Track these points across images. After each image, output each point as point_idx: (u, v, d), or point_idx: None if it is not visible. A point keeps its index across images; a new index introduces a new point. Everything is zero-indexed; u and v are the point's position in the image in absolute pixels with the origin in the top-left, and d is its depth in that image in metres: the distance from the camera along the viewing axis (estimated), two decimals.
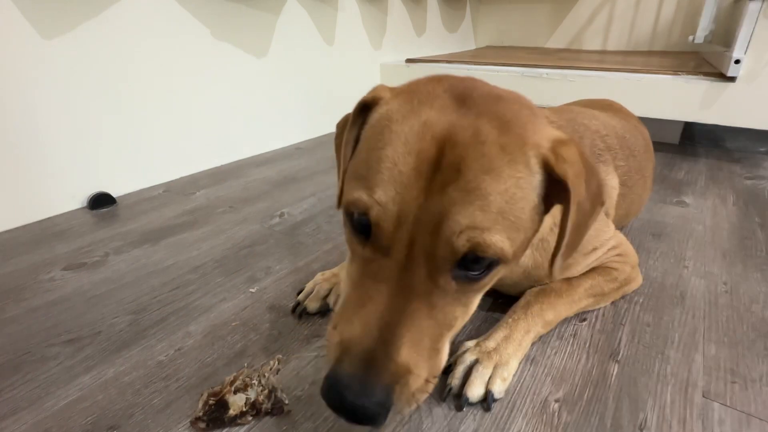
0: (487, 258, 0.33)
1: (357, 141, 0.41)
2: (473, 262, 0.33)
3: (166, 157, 1.17)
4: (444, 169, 0.31)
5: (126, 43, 1.02)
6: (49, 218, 0.96)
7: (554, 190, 0.37)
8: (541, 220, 0.38)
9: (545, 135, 0.37)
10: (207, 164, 1.28)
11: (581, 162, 0.37)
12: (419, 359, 0.32)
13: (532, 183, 0.35)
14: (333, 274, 0.67)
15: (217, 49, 1.21)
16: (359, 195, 0.33)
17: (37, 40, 0.88)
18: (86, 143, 1.00)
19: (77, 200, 1.01)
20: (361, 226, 0.34)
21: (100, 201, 1.02)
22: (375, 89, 0.41)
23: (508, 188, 0.32)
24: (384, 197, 0.32)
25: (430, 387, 0.34)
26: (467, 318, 0.40)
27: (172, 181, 1.18)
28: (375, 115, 0.39)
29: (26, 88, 0.88)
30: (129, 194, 1.09)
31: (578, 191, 0.35)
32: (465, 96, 0.35)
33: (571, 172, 0.35)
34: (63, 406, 0.50)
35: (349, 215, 0.36)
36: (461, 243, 0.31)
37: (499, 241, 0.32)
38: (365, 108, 0.41)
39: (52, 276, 0.75)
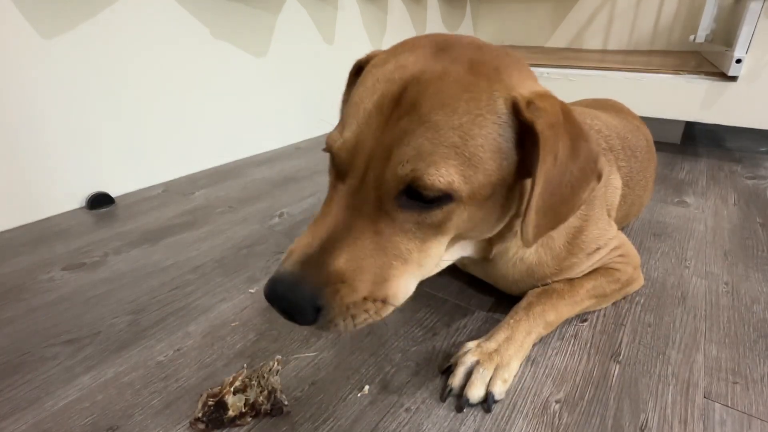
0: (434, 189, 0.33)
1: None
2: (421, 192, 0.33)
3: (165, 156, 1.17)
4: (403, 104, 0.33)
5: (125, 42, 1.02)
6: (48, 218, 0.96)
7: (531, 145, 0.35)
8: (512, 170, 0.37)
9: (525, 85, 0.36)
10: (206, 164, 1.28)
11: (562, 117, 0.35)
12: (357, 275, 0.33)
13: (498, 125, 0.34)
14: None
15: (216, 49, 1.21)
16: (331, 134, 0.37)
17: (37, 40, 0.88)
18: (85, 143, 0.99)
19: (76, 200, 1.01)
20: (334, 159, 0.38)
21: (99, 201, 1.01)
22: (371, 52, 0.43)
23: (463, 123, 0.33)
24: (348, 133, 0.35)
25: (371, 309, 0.34)
26: (428, 261, 0.38)
27: (171, 180, 1.18)
28: (365, 70, 0.40)
29: (25, 88, 0.88)
30: (128, 194, 1.09)
31: (552, 144, 0.34)
32: (448, 45, 0.36)
33: (543, 121, 0.34)
34: (63, 406, 0.49)
35: (326, 152, 0.39)
36: (405, 171, 0.32)
37: (445, 174, 0.32)
38: (360, 69, 0.43)
39: (51, 276, 0.75)
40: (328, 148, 0.37)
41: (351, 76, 0.45)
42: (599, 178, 0.38)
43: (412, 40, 0.39)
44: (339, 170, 0.37)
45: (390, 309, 0.36)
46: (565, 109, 0.37)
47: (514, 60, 0.38)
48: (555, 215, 0.37)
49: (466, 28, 2.43)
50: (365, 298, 0.34)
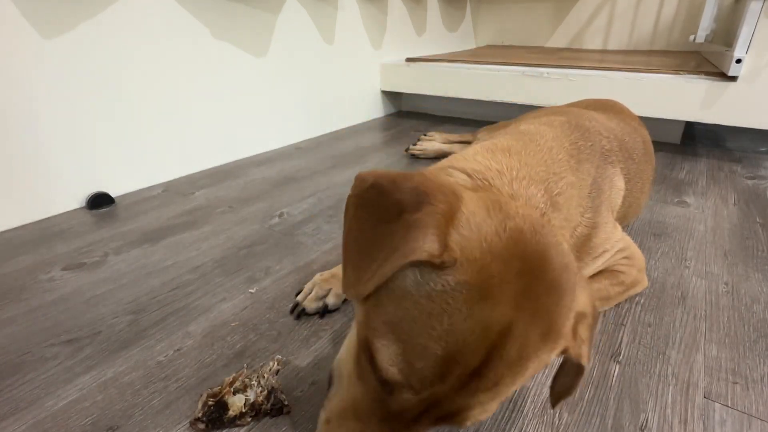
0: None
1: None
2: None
3: (165, 156, 1.17)
4: (485, 379, 0.31)
5: (125, 42, 1.02)
6: (48, 218, 0.96)
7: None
8: None
9: (571, 320, 0.36)
10: (206, 164, 1.28)
11: (593, 327, 0.38)
12: None
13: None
14: (332, 274, 0.67)
15: (216, 49, 1.21)
16: (391, 370, 0.32)
17: (37, 40, 0.88)
18: (85, 143, 0.99)
19: (76, 200, 1.01)
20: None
21: (99, 201, 1.01)
22: (413, 241, 0.31)
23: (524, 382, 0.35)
24: (418, 385, 0.32)
25: None
26: None
27: (171, 180, 1.18)
28: (429, 282, 0.31)
29: (25, 88, 0.88)
30: (128, 194, 1.09)
31: (586, 360, 0.37)
32: (529, 284, 0.32)
33: (586, 350, 0.37)
34: (63, 406, 0.49)
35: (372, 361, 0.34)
36: (465, 425, 0.34)
37: (492, 410, 0.34)
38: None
39: (51, 276, 0.75)
40: (390, 384, 0.34)
41: (358, 199, 0.36)
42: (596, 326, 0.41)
43: (497, 265, 0.32)
44: (391, 397, 0.35)
45: None
46: (596, 316, 0.40)
47: (571, 290, 0.36)
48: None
49: (466, 28, 2.43)
50: None
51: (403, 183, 0.34)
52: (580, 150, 0.57)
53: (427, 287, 0.31)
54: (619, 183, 0.65)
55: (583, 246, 0.57)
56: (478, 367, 0.31)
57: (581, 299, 0.38)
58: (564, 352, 0.36)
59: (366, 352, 0.34)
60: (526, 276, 0.32)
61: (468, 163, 0.48)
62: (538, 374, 0.53)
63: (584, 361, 0.37)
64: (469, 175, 0.46)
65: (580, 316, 0.37)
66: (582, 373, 0.37)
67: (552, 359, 0.36)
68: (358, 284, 0.33)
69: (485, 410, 0.33)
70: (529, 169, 0.49)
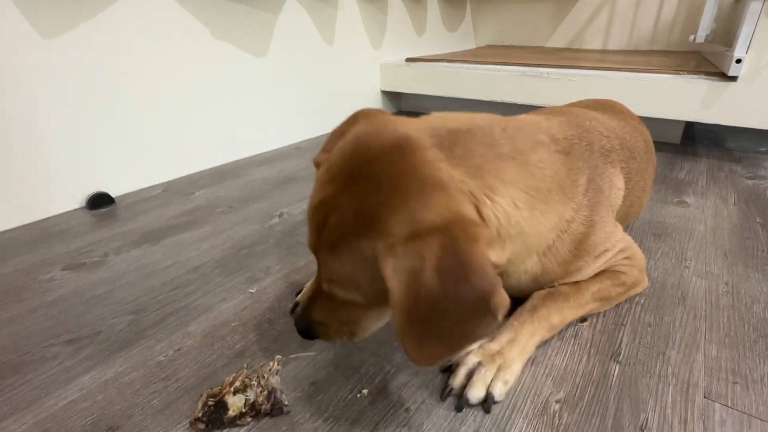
0: (344, 300, 0.45)
1: None
2: None
3: (165, 156, 1.17)
4: (323, 238, 0.43)
5: (125, 42, 1.02)
6: (48, 218, 0.96)
7: None
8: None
9: (402, 225, 0.37)
10: (206, 164, 1.28)
11: (439, 258, 0.35)
12: (323, 318, 0.49)
13: (370, 266, 0.39)
14: None
15: (216, 49, 1.21)
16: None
17: (37, 40, 0.88)
18: (85, 143, 0.99)
19: (76, 200, 1.01)
20: None
21: (99, 201, 1.01)
22: (327, 145, 0.52)
23: (348, 268, 0.42)
24: (308, 233, 0.46)
25: (348, 333, 0.49)
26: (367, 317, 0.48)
27: (171, 180, 1.18)
28: (316, 174, 0.48)
29: (25, 88, 0.88)
30: (128, 194, 1.09)
31: (402, 287, 0.36)
32: (357, 176, 0.41)
33: (397, 272, 0.36)
34: (63, 406, 0.49)
35: None
36: (325, 287, 0.46)
37: (346, 294, 0.44)
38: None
39: (51, 276, 0.75)
40: None
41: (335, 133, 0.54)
42: (495, 316, 0.36)
43: (341, 163, 0.43)
44: None
45: (357, 338, 0.50)
46: (455, 247, 0.36)
47: (407, 192, 0.39)
48: (434, 339, 0.37)
49: (466, 28, 2.43)
50: (339, 329, 0.49)
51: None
52: (573, 146, 0.56)
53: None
54: (619, 183, 0.65)
55: (582, 244, 0.57)
56: (320, 227, 0.42)
57: (428, 211, 0.37)
58: (376, 253, 0.38)
59: None
60: (354, 169, 0.42)
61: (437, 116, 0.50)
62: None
63: (387, 281, 0.36)
64: (430, 116, 0.50)
65: (414, 233, 0.36)
66: (390, 291, 0.36)
67: (369, 255, 0.38)
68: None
69: (324, 267, 0.44)
70: (477, 129, 0.47)
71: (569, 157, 0.55)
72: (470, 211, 0.40)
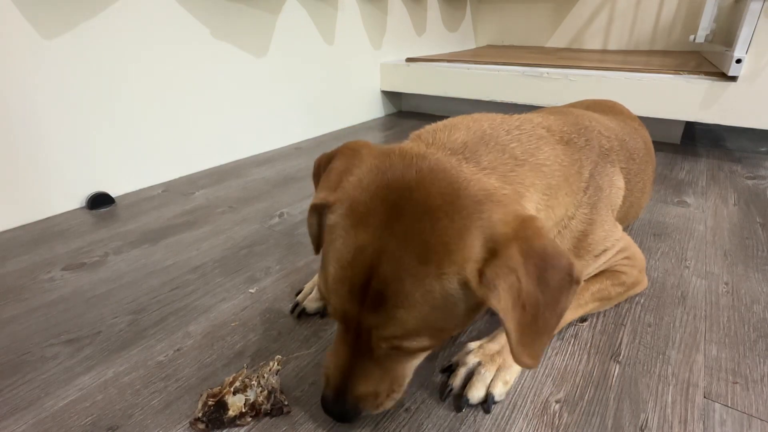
0: (412, 351, 0.41)
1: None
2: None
3: (165, 156, 1.17)
4: (372, 297, 0.37)
5: (125, 42, 1.02)
6: (48, 218, 0.96)
7: None
8: (478, 309, 0.40)
9: (474, 248, 0.36)
10: (206, 164, 1.28)
11: (522, 262, 0.36)
12: (372, 387, 0.43)
13: (456, 301, 0.37)
14: None
15: (216, 49, 1.21)
16: (320, 286, 0.43)
17: (37, 40, 0.88)
18: (85, 143, 0.99)
19: (76, 200, 1.01)
20: None
21: (99, 201, 1.01)
22: (318, 192, 0.44)
23: (425, 313, 0.37)
24: (333, 302, 0.40)
25: (394, 397, 0.45)
26: (417, 362, 0.46)
27: (171, 180, 1.18)
28: (329, 221, 0.42)
29: (25, 88, 0.88)
30: (128, 194, 1.09)
31: (514, 302, 0.35)
32: (399, 208, 0.37)
33: (498, 293, 0.35)
34: (63, 406, 0.49)
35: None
36: (388, 345, 0.40)
37: (420, 343, 0.39)
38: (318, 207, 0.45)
39: (51, 276, 0.75)
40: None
41: (316, 177, 0.50)
42: (578, 282, 0.39)
43: (370, 201, 0.39)
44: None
45: (401, 394, 0.46)
46: (531, 246, 0.36)
47: (466, 213, 0.37)
48: (540, 334, 0.39)
49: (466, 28, 2.43)
50: (387, 395, 0.44)
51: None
52: (571, 138, 0.56)
53: (327, 224, 0.42)
54: (619, 182, 0.65)
55: (581, 242, 0.57)
56: (364, 284, 0.37)
57: (492, 224, 0.37)
58: (466, 284, 0.36)
59: None
60: (392, 203, 0.38)
61: (430, 128, 0.50)
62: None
63: (492, 304, 0.35)
64: (418, 136, 0.48)
65: (492, 250, 0.36)
66: (500, 313, 0.35)
67: (452, 289, 0.36)
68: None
69: (391, 333, 0.38)
70: (486, 135, 0.48)
71: (569, 147, 0.55)
72: (523, 209, 0.41)
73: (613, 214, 0.65)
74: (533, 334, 0.38)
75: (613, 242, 0.61)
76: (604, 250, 0.60)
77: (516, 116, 0.57)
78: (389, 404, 0.45)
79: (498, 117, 0.54)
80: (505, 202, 0.39)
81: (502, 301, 0.35)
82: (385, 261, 0.36)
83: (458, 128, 0.48)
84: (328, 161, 0.46)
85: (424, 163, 0.40)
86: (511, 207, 0.39)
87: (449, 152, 0.43)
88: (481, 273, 0.36)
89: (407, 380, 0.46)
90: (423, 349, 0.42)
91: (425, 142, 0.45)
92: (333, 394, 0.43)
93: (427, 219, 0.36)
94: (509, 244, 0.36)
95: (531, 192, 0.46)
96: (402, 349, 0.40)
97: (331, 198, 0.42)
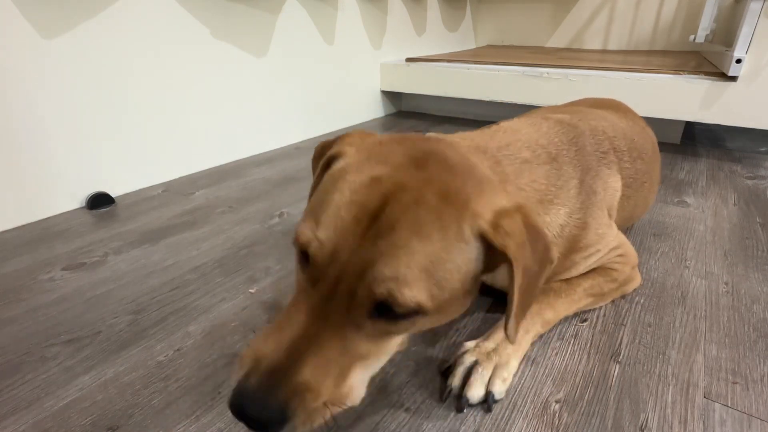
0: (406, 307, 0.34)
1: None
2: (393, 308, 0.34)
3: (165, 156, 1.17)
4: (381, 223, 0.34)
5: (125, 42, 1.02)
6: (48, 218, 0.96)
7: (499, 255, 0.38)
8: (479, 274, 0.39)
9: (489, 206, 0.38)
10: (206, 164, 1.28)
11: (525, 230, 0.39)
12: (322, 381, 0.34)
13: (465, 251, 0.37)
14: None
15: (216, 49, 1.21)
16: (304, 229, 0.37)
17: (37, 40, 0.88)
18: (85, 143, 0.99)
19: (76, 200, 1.01)
20: (304, 257, 0.37)
21: (99, 201, 1.01)
22: (341, 142, 0.44)
23: (436, 251, 0.35)
24: (324, 236, 0.35)
25: (327, 413, 0.34)
26: (384, 357, 0.41)
27: (171, 180, 1.18)
28: (336, 165, 0.42)
29: (25, 88, 0.88)
30: (128, 194, 1.09)
31: (522, 260, 0.37)
32: (421, 160, 0.38)
33: (513, 244, 0.37)
34: (63, 406, 0.49)
35: (295, 244, 0.38)
36: (380, 290, 0.33)
37: (416, 295, 0.34)
38: (326, 157, 0.44)
39: (51, 276, 0.75)
40: (301, 246, 0.36)
41: (315, 160, 0.49)
42: (552, 262, 0.42)
43: (384, 149, 0.40)
44: (311, 273, 0.36)
45: (342, 409, 0.36)
46: (526, 218, 0.40)
47: (479, 180, 0.40)
48: (525, 309, 0.42)
49: (466, 28, 2.43)
50: (325, 403, 0.34)
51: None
52: (560, 152, 0.58)
53: (329, 172, 0.41)
54: (615, 184, 0.65)
55: (573, 246, 0.58)
56: (375, 210, 0.34)
57: (499, 198, 0.39)
58: (481, 235, 0.37)
59: (294, 245, 0.38)
60: (414, 157, 0.38)
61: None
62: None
63: (509, 253, 0.36)
64: None
65: (501, 214, 0.38)
66: (513, 267, 0.36)
67: (467, 235, 0.36)
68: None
69: (393, 268, 0.33)
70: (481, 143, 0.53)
71: (555, 163, 0.56)
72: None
73: (612, 213, 0.65)
74: (525, 306, 0.41)
75: (606, 242, 0.61)
76: (597, 250, 0.61)
77: (507, 129, 0.59)
78: (325, 414, 0.34)
79: (490, 133, 0.58)
80: (508, 191, 0.44)
81: (516, 255, 0.37)
82: (403, 191, 0.35)
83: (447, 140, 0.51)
84: (329, 147, 0.46)
85: (443, 141, 0.43)
86: (516, 196, 0.43)
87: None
88: (497, 226, 0.37)
89: (364, 383, 0.38)
90: (411, 312, 0.35)
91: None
92: (262, 381, 0.32)
93: (449, 173, 0.38)
94: (513, 213, 0.39)
95: None
96: (390, 305, 0.34)
97: (348, 149, 0.42)
